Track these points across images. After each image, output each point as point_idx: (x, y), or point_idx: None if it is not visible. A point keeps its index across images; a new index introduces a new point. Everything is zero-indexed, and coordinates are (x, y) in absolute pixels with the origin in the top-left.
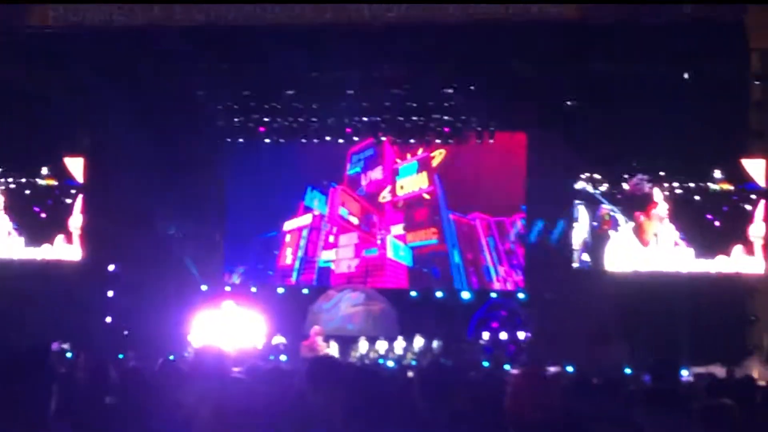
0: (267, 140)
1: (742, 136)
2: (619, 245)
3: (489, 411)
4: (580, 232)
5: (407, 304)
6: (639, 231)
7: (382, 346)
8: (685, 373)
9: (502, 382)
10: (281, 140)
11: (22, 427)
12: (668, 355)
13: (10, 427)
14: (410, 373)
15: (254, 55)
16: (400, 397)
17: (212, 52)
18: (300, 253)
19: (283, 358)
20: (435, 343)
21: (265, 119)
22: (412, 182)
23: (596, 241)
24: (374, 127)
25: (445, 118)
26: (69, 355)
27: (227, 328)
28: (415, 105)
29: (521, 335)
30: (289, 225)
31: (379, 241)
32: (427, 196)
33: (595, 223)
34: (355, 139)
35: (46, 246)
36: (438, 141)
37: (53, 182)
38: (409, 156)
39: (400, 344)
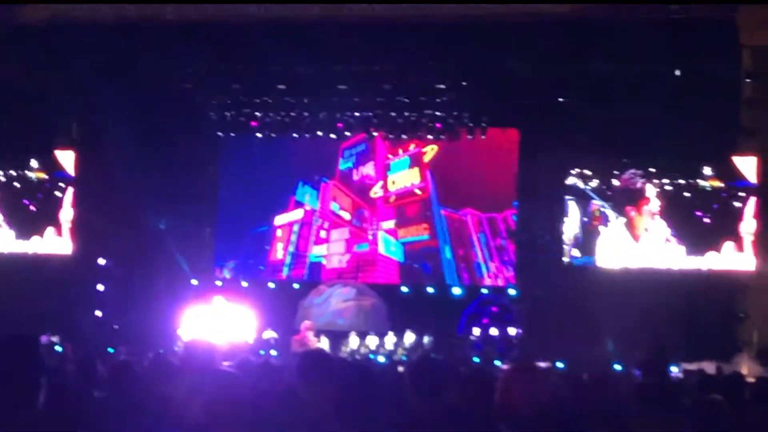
0: (259, 135)
1: (733, 133)
2: (609, 240)
3: (479, 406)
4: (571, 227)
5: (398, 299)
6: (630, 226)
7: (372, 341)
8: (675, 369)
9: (492, 377)
10: (273, 135)
11: (10, 419)
12: (658, 351)
13: None
14: (401, 368)
15: (246, 50)
16: (390, 392)
17: (205, 48)
18: (291, 248)
19: (273, 352)
20: (426, 339)
21: (257, 114)
22: (404, 178)
23: (587, 237)
24: (366, 122)
25: (437, 113)
26: (58, 348)
27: (218, 322)
28: (407, 101)
29: (512, 331)
30: (280, 220)
31: (370, 237)
32: (418, 192)
33: (585, 219)
34: (347, 134)
35: (36, 239)
36: (430, 137)
37: (43, 175)
38: (401, 151)
39: (390, 339)
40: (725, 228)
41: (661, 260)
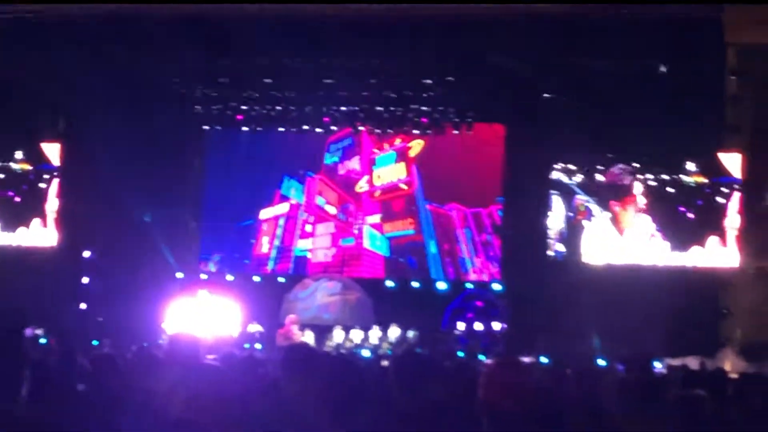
0: (245, 128)
1: (718, 130)
2: (594, 235)
3: (463, 400)
4: (556, 222)
5: (383, 293)
6: (615, 221)
7: (357, 335)
8: (658, 364)
9: (476, 372)
10: (259, 128)
11: None
12: (642, 347)
13: None
14: (385, 363)
15: (232, 43)
16: (374, 386)
17: (191, 41)
18: (276, 242)
19: (258, 346)
20: (410, 333)
21: (243, 107)
22: (390, 172)
23: (571, 232)
24: (352, 116)
25: (423, 108)
26: (42, 341)
27: (203, 316)
28: (393, 95)
29: (496, 326)
30: (265, 213)
31: (355, 231)
32: (404, 187)
33: (570, 214)
34: (333, 128)
35: (21, 230)
36: (416, 131)
37: (28, 167)
38: (386, 146)
39: (375, 334)
40: (709, 223)
41: (646, 256)
